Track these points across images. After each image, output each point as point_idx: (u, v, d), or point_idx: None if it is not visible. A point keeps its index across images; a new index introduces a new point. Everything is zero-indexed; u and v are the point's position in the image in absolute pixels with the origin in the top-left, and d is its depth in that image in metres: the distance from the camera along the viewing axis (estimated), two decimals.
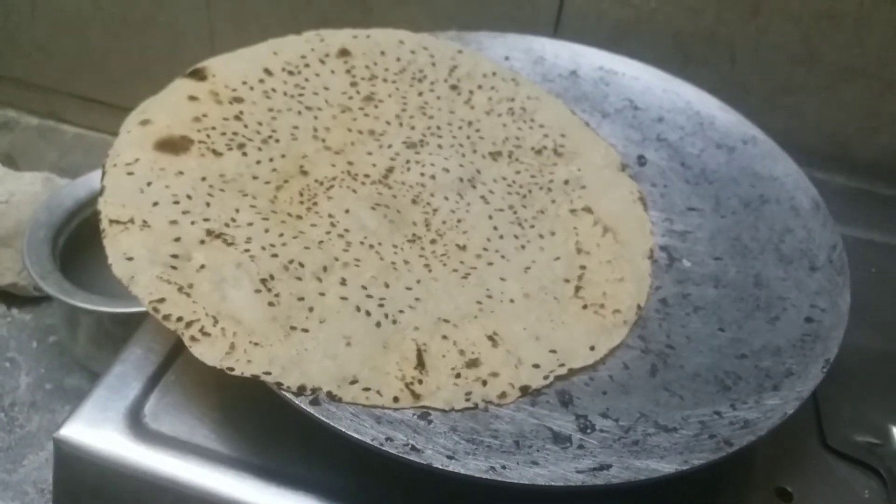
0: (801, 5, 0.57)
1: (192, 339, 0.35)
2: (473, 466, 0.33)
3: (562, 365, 0.39)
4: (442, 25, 0.57)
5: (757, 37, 0.59)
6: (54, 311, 0.68)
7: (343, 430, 0.33)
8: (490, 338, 0.40)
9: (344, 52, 0.53)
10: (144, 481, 0.38)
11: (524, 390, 0.38)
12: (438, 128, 0.51)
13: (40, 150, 0.76)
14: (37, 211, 0.62)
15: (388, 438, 0.34)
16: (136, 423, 0.39)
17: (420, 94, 0.53)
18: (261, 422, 0.40)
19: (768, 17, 0.58)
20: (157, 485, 0.38)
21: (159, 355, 0.42)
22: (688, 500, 0.38)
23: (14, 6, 0.74)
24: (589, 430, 0.36)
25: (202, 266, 0.39)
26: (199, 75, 0.49)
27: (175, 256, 0.39)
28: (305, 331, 0.38)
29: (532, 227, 0.47)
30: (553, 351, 0.40)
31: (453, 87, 0.54)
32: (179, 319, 0.36)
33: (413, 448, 0.33)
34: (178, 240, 0.39)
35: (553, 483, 0.33)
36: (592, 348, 0.40)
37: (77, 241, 0.64)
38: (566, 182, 0.50)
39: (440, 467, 0.33)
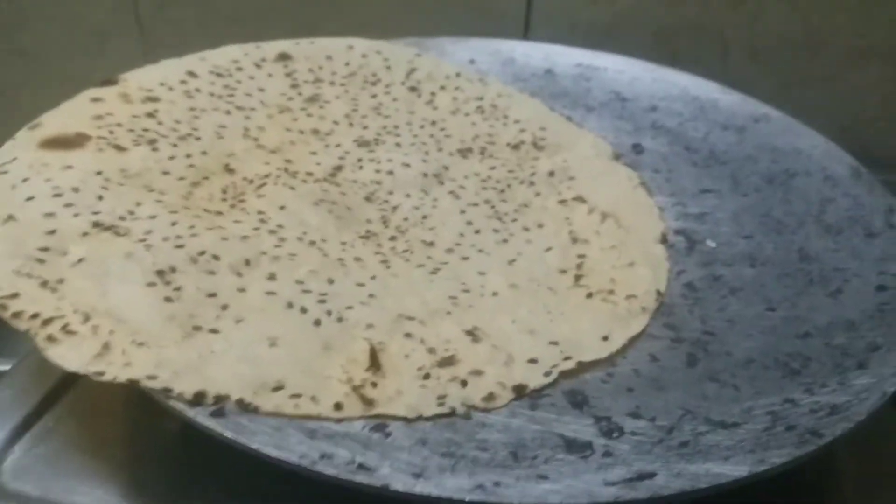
0: None
1: (50, 338, 0.25)
2: (453, 486, 0.22)
3: (568, 358, 0.29)
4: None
5: (749, 24, 0.53)
6: None
7: (256, 447, 0.23)
8: (469, 333, 0.30)
9: (284, 57, 0.46)
10: None
11: (519, 391, 0.27)
12: (396, 127, 0.44)
13: None
14: None
15: (325, 455, 0.23)
16: None
17: (374, 96, 0.45)
18: (167, 475, 0.29)
19: (759, 0, 0.52)
20: None
21: (35, 397, 0.32)
22: None
23: None
24: (616, 434, 0.25)
25: (80, 260, 0.29)
26: (108, 82, 0.41)
27: (45, 249, 0.29)
28: (215, 332, 0.28)
29: (514, 220, 0.39)
30: (554, 343, 0.30)
31: (412, 89, 0.47)
32: (35, 317, 0.26)
33: (362, 466, 0.23)
34: (52, 233, 0.30)
35: (573, 501, 0.22)
36: (606, 338, 0.30)
37: None
38: (551, 174, 0.42)
39: (402, 490, 0.22)
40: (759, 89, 0.53)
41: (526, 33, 0.56)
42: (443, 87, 0.47)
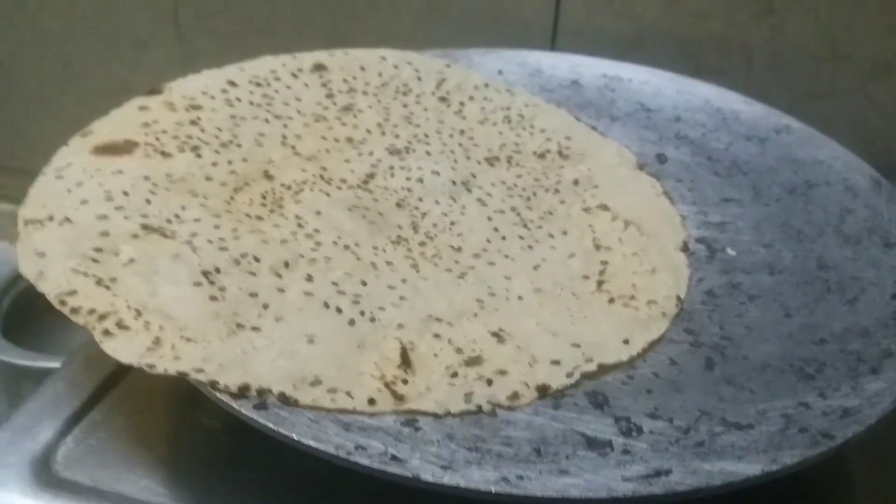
0: None
1: (106, 333, 0.27)
2: (479, 478, 0.24)
3: (589, 360, 0.30)
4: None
5: (773, 37, 0.54)
6: None
7: (296, 437, 0.24)
8: (495, 334, 0.31)
9: (319, 67, 0.48)
10: None
11: (542, 391, 0.29)
12: (426, 136, 0.45)
13: None
14: None
15: (360, 447, 0.25)
16: (44, 472, 0.30)
17: (405, 105, 0.47)
18: (208, 468, 0.31)
19: (783, 12, 0.53)
20: None
21: (85, 391, 0.34)
22: None
23: None
24: (635, 433, 0.27)
25: (131, 260, 0.31)
26: (154, 91, 0.44)
27: (99, 250, 0.31)
28: (256, 329, 0.29)
29: (539, 227, 0.40)
30: (576, 345, 0.31)
31: (442, 99, 0.48)
32: (92, 312, 0.28)
33: (394, 458, 0.24)
34: (105, 234, 0.32)
35: (592, 495, 0.23)
36: (626, 342, 0.32)
37: (24, 309, 0.57)
38: (576, 182, 0.43)
39: (431, 480, 0.23)
40: (781, 101, 0.54)
41: (553, 45, 0.57)
42: (471, 98, 0.49)
